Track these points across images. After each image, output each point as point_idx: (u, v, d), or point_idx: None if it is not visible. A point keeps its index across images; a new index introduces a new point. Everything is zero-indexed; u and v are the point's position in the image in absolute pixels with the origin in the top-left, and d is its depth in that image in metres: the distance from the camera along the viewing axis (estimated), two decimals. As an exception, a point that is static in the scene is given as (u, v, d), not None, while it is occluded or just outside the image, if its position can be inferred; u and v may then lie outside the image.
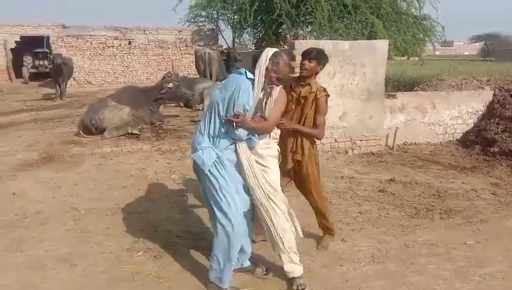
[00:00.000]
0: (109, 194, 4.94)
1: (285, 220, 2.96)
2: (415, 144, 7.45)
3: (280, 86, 3.00)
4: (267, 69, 2.86)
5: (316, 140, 3.55)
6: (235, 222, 2.84)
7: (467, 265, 3.43)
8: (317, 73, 3.43)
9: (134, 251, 3.59)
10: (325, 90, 3.39)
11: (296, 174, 3.56)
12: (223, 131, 2.86)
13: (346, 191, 5.16)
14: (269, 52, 2.91)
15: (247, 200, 2.95)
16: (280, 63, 2.88)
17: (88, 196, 4.90)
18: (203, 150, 2.84)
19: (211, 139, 2.88)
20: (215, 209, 2.88)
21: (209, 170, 2.85)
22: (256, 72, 2.87)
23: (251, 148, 2.98)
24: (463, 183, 5.56)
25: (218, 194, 2.85)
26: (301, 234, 3.09)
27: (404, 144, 7.35)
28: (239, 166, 2.94)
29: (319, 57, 3.36)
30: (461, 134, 7.81)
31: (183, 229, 4.04)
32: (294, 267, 3.05)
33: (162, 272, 3.28)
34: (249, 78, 2.85)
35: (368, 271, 3.32)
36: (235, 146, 2.92)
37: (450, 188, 5.35)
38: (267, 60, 2.86)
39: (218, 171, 2.86)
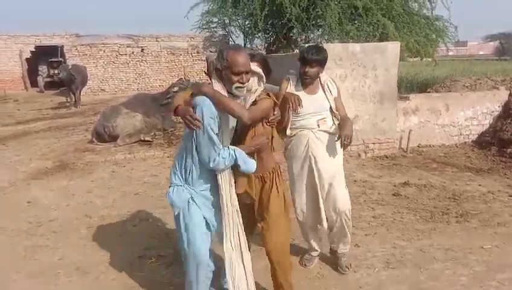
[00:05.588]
0: (122, 202, 4.96)
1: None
2: (429, 146, 7.34)
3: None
4: (218, 70, 2.26)
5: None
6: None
7: (484, 270, 3.35)
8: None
9: (146, 258, 3.60)
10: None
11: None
12: None
13: (360, 195, 5.10)
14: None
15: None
16: (228, 55, 2.20)
17: (101, 203, 4.94)
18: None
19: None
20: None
21: None
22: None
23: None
24: (479, 185, 5.45)
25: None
26: None
27: (418, 146, 7.26)
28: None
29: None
30: (476, 135, 7.68)
31: (195, 235, 4.02)
32: None
33: (174, 279, 3.27)
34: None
35: (382, 277, 3.26)
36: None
37: (466, 190, 5.24)
38: (215, 61, 2.26)
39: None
